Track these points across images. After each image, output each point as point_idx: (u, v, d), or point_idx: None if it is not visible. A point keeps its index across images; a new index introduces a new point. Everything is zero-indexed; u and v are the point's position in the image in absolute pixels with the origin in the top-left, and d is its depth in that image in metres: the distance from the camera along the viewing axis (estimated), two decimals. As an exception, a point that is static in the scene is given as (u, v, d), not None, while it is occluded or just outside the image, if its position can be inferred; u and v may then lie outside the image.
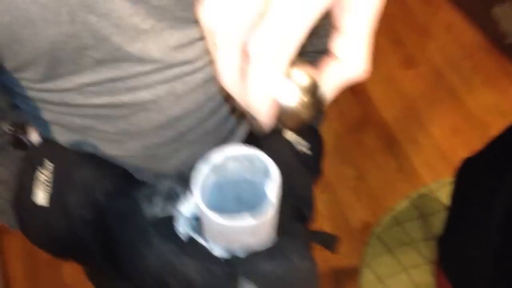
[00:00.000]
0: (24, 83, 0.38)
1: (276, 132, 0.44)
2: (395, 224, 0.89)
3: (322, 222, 1.16)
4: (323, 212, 1.19)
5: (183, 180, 0.37)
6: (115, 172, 0.41)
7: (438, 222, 0.87)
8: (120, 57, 0.37)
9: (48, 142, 0.42)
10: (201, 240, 0.35)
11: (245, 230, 0.32)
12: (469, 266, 0.76)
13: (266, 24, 0.21)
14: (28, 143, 0.43)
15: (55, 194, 0.37)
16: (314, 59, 0.31)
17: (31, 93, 0.40)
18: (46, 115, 0.43)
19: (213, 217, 0.29)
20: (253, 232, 0.33)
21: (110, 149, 0.45)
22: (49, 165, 0.38)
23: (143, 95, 0.41)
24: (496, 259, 0.72)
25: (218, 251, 0.35)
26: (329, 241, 0.45)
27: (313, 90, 0.25)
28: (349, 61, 0.24)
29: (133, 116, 0.42)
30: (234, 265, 0.35)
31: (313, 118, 0.26)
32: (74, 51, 0.35)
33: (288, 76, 0.24)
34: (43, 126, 0.45)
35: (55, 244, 0.40)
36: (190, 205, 0.35)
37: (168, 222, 0.36)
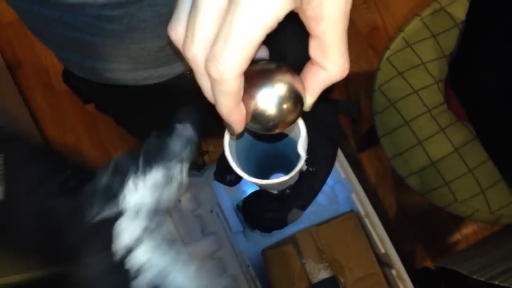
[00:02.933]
0: None
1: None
2: (406, 46, 0.89)
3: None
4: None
5: (120, 172, 0.32)
6: (68, 166, 0.35)
7: (450, 40, 0.86)
8: None
9: (1, 130, 0.37)
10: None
11: (280, 184, 0.34)
12: (478, 85, 0.79)
13: (219, 38, 0.21)
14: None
15: (9, 188, 0.33)
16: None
17: None
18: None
19: (254, 180, 0.31)
20: (286, 183, 0.36)
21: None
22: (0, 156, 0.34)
23: None
24: (506, 78, 0.75)
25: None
26: (352, 108, 0.46)
27: (289, 97, 0.25)
28: (328, 66, 0.25)
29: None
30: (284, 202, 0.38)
31: (293, 121, 0.27)
32: None
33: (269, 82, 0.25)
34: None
35: (25, 240, 0.35)
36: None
37: (107, 228, 0.31)
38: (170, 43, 0.25)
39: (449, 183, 0.84)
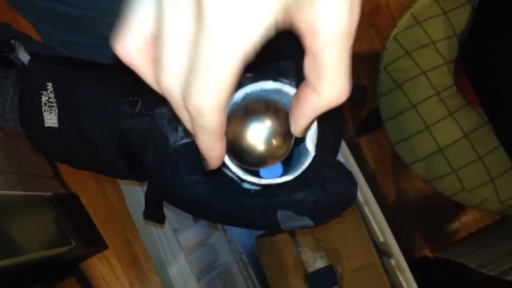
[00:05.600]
0: None
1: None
2: (414, 23, 0.83)
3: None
4: None
5: None
6: (122, 85, 0.36)
7: (462, 17, 0.81)
8: None
9: (39, 59, 0.38)
10: (230, 174, 0.33)
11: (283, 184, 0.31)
12: (492, 67, 0.74)
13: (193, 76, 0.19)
14: (16, 61, 0.39)
15: (64, 115, 0.34)
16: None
17: None
18: None
19: (252, 180, 0.27)
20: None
21: None
22: (49, 86, 0.35)
23: None
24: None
25: (247, 185, 0.33)
26: (359, 92, 0.42)
27: (278, 132, 0.24)
28: (322, 89, 0.21)
29: None
30: (267, 197, 0.33)
31: (284, 155, 0.25)
32: None
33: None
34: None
35: (80, 162, 0.38)
36: None
37: (192, 150, 0.32)
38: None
39: (457, 170, 0.80)
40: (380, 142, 1.32)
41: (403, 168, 0.94)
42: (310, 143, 0.27)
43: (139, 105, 0.35)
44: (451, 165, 0.81)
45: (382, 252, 0.93)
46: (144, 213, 0.39)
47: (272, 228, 0.35)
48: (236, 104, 0.25)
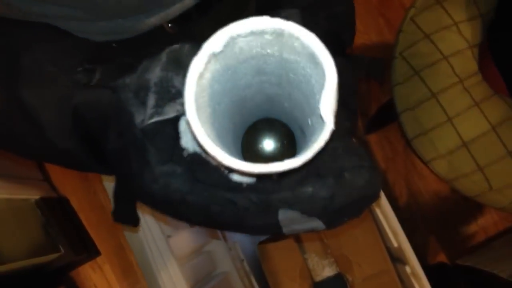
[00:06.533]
0: None
1: None
2: (434, 3, 0.75)
3: None
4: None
5: (178, 63, 0.26)
6: (76, 48, 0.28)
7: (487, -4, 0.74)
8: None
9: None
10: (214, 162, 0.25)
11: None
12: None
13: None
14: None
15: (0, 88, 0.26)
16: None
17: None
18: None
19: (246, 168, 0.20)
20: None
21: None
22: None
23: None
24: None
25: (237, 176, 0.25)
26: (376, 66, 0.34)
27: None
28: None
29: None
30: (264, 192, 0.25)
31: None
32: None
33: None
34: None
35: (25, 150, 0.30)
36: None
37: (165, 130, 0.26)
38: None
39: (483, 168, 0.74)
40: (391, 139, 1.26)
41: (416, 166, 0.89)
42: (327, 107, 0.18)
43: (97, 74, 0.27)
44: (476, 161, 0.74)
45: (396, 258, 0.88)
46: (112, 213, 0.31)
47: (271, 232, 0.27)
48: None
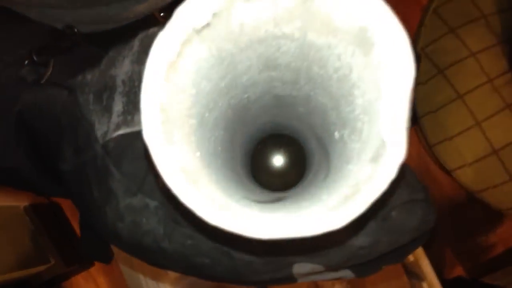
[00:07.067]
0: None
1: None
2: (460, -6, 0.69)
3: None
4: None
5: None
6: (23, 37, 0.21)
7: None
8: None
9: None
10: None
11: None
12: None
13: None
14: None
15: None
16: None
17: None
18: None
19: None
20: None
21: None
22: None
23: None
24: None
25: None
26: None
27: None
28: None
29: None
30: (274, 244, 0.17)
31: None
32: None
33: None
34: None
35: None
36: None
37: (135, 147, 0.20)
38: None
39: None
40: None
41: (430, 172, 0.82)
42: (399, 129, 0.11)
43: (50, 69, 0.20)
44: (508, 171, 0.67)
45: (412, 273, 0.85)
46: (82, 247, 0.24)
47: (279, 285, 0.20)
48: None
